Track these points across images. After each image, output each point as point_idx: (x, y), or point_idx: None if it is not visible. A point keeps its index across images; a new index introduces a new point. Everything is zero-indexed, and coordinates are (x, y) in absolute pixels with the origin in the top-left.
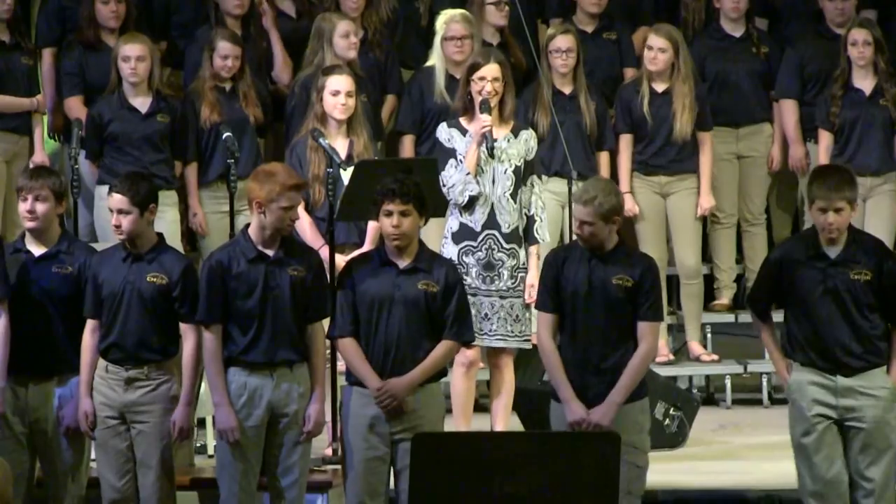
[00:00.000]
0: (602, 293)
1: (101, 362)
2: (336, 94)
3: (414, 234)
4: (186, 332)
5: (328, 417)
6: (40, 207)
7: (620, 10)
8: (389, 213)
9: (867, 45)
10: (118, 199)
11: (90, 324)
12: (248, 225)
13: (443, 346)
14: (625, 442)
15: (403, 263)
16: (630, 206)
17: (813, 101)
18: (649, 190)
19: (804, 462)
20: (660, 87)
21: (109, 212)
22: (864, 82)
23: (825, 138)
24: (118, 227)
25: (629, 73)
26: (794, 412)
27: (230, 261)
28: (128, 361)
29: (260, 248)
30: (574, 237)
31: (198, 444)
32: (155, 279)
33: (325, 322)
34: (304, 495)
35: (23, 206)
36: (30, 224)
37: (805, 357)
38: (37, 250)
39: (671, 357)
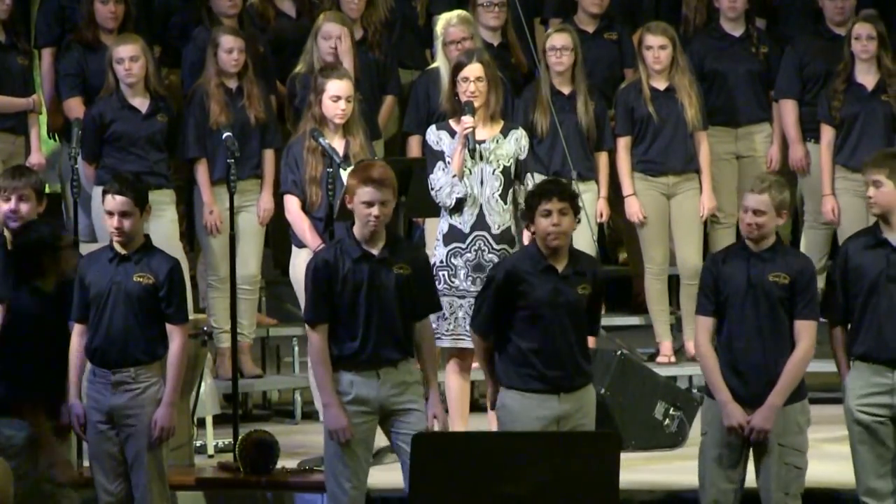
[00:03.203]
0: (760, 291)
1: (88, 366)
2: (336, 99)
3: (570, 234)
4: (172, 332)
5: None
6: (24, 207)
7: (621, 10)
8: (548, 213)
9: (871, 40)
10: (122, 202)
11: (77, 328)
12: (352, 223)
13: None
14: (784, 444)
15: (562, 267)
16: (636, 211)
17: (813, 101)
18: (655, 191)
19: (858, 461)
20: (661, 85)
21: (108, 214)
22: (867, 77)
23: (827, 133)
24: (120, 228)
25: (630, 73)
26: (846, 413)
27: (336, 260)
28: (114, 364)
29: (365, 247)
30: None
31: (198, 444)
32: (141, 279)
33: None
34: None
35: (5, 207)
36: (14, 224)
37: (863, 351)
38: None
39: (672, 359)
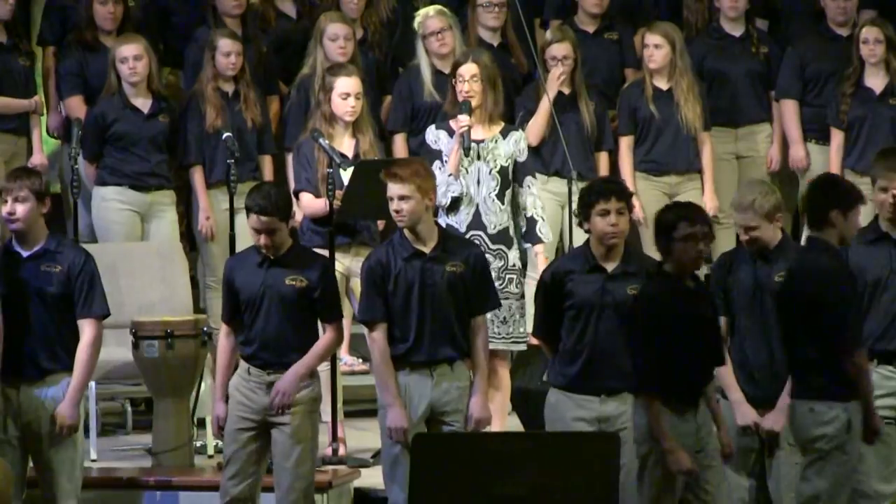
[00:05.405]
0: (767, 293)
1: (243, 365)
2: (346, 96)
3: (626, 234)
4: (327, 329)
5: (327, 417)
6: (20, 209)
7: (622, 10)
8: (605, 213)
9: (878, 44)
10: (269, 221)
11: (224, 328)
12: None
13: None
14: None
15: (612, 267)
16: (636, 210)
17: (813, 101)
18: (658, 191)
19: (862, 462)
20: (663, 85)
21: (255, 231)
22: (875, 80)
23: (837, 137)
24: (268, 245)
25: (630, 73)
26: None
27: (388, 259)
28: (270, 366)
29: (415, 245)
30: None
31: (198, 444)
32: (294, 282)
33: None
34: None
35: (4, 209)
36: (12, 226)
37: (869, 346)
38: (24, 251)
39: None
